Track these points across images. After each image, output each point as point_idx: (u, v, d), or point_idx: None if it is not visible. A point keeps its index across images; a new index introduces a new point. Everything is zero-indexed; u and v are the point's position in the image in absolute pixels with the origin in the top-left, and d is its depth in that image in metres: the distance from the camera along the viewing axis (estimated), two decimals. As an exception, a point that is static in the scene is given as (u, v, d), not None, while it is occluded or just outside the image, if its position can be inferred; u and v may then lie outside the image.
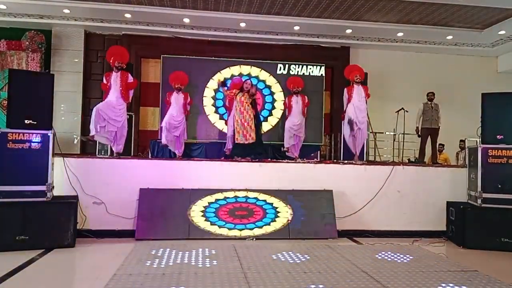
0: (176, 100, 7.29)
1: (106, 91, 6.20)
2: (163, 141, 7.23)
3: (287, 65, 9.97)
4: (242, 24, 9.33)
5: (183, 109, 7.34)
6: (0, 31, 9.36)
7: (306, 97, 8.02)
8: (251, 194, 5.54)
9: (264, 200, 5.52)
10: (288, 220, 5.38)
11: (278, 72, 9.92)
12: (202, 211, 5.33)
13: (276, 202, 5.51)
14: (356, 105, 6.70)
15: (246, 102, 6.66)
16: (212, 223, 5.26)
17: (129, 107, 8.89)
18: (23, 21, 9.08)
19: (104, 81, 6.25)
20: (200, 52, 9.84)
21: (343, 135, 7.45)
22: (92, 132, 5.94)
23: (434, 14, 8.67)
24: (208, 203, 5.40)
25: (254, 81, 8.73)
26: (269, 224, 5.35)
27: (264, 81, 9.75)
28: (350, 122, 6.71)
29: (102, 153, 7.88)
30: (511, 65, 10.71)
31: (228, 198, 5.47)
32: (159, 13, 8.82)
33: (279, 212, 5.45)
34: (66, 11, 8.78)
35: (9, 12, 8.84)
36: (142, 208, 5.24)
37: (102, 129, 5.98)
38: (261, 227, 5.31)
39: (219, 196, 5.46)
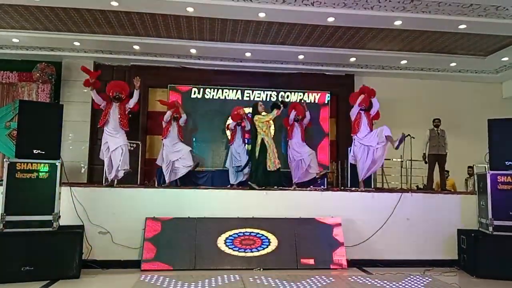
0: (173, 129, 7.42)
1: (98, 108, 6.63)
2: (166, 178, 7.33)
3: (292, 93, 10.11)
4: (248, 54, 9.49)
5: (179, 136, 7.51)
6: (12, 63, 9.58)
7: (303, 124, 7.96)
8: (260, 224, 5.48)
9: (268, 231, 5.43)
10: (295, 250, 5.30)
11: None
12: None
13: (281, 231, 5.43)
14: (365, 136, 6.72)
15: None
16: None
17: (135, 136, 9.06)
18: (34, 53, 9.31)
19: (101, 102, 6.44)
20: (207, 81, 10.00)
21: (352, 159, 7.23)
22: (111, 176, 6.28)
23: (437, 42, 8.76)
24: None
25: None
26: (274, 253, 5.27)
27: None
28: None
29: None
30: (516, 91, 10.72)
31: (238, 232, 5.41)
32: (166, 44, 9.00)
33: (283, 242, 5.37)
34: (76, 43, 9.01)
35: (21, 45, 9.09)
36: (148, 238, 5.20)
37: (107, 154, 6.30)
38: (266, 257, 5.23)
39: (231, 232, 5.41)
